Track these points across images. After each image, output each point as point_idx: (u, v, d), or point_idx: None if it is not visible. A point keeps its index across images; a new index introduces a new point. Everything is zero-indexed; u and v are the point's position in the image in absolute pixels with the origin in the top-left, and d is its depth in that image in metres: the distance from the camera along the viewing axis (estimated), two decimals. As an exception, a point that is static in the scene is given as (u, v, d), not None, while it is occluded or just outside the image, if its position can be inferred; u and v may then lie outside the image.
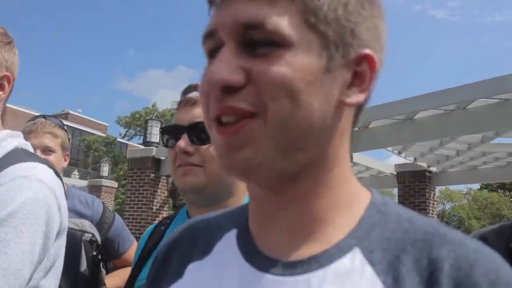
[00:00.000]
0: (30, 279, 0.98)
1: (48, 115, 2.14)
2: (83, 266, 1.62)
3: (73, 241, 1.39)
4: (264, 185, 0.56)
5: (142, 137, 32.20)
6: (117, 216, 2.25)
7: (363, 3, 0.54)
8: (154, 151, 10.32)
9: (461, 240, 0.52)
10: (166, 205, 10.85)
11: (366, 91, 0.56)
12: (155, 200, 10.23)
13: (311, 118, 0.51)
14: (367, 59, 0.54)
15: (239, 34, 0.52)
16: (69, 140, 2.14)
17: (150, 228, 1.33)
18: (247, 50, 0.52)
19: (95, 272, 1.65)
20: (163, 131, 1.18)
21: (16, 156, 1.10)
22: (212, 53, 0.55)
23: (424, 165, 9.82)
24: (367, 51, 0.54)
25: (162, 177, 10.51)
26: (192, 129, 1.12)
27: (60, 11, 71.63)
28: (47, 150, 1.98)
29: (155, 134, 11.08)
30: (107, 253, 2.19)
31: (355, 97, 0.55)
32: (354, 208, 0.57)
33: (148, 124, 11.44)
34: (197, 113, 1.12)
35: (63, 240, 1.13)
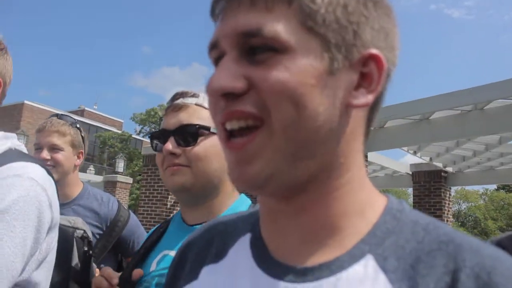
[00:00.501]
0: (22, 271, 1.04)
1: (62, 114, 2.17)
2: (75, 260, 1.67)
3: (65, 237, 1.46)
4: (275, 196, 0.56)
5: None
6: (132, 215, 2.27)
7: (366, 3, 0.54)
8: (169, 148, 10.36)
9: (477, 247, 0.51)
10: (180, 202, 10.90)
11: (374, 92, 0.54)
12: (169, 196, 10.29)
13: (317, 122, 0.51)
14: (374, 59, 0.54)
15: (239, 42, 0.52)
16: (83, 138, 2.15)
17: (152, 229, 1.38)
18: (247, 58, 0.52)
19: (86, 267, 1.70)
20: (152, 136, 1.23)
21: (9, 156, 1.16)
22: (217, 62, 0.56)
23: (440, 165, 9.75)
24: (373, 51, 0.53)
25: (177, 173, 10.56)
26: (178, 132, 1.17)
27: (76, 8, 72.34)
28: (54, 148, 2.01)
29: (170, 131, 11.15)
30: (121, 251, 2.23)
31: (363, 99, 0.54)
32: (368, 214, 0.56)
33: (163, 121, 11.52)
34: (183, 117, 1.18)
35: (54, 235, 1.18)
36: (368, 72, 0.54)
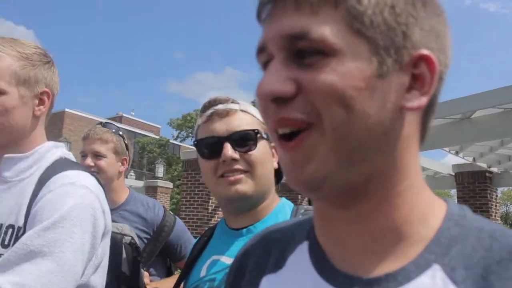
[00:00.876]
0: (82, 275, 1.10)
1: (106, 122, 2.24)
2: (124, 266, 1.71)
3: (114, 244, 1.50)
4: (332, 201, 0.55)
5: (194, 138, 32.69)
6: (178, 219, 2.30)
7: (415, 3, 0.52)
8: (223, 153, 10.40)
9: None
10: (221, 206, 10.94)
11: (428, 94, 0.53)
12: (210, 201, 10.32)
13: (368, 125, 0.50)
14: (425, 60, 0.52)
15: (286, 46, 0.52)
16: (126, 145, 2.20)
17: (197, 239, 1.39)
18: (295, 61, 0.52)
19: (135, 272, 1.74)
20: (199, 143, 1.21)
21: (61, 165, 1.23)
22: (266, 66, 0.56)
23: (484, 165, 9.47)
24: (424, 51, 0.52)
25: (217, 178, 10.61)
26: (233, 138, 1.17)
27: (111, 20, 74.12)
28: (97, 155, 2.07)
29: (208, 136, 11.25)
30: (169, 256, 2.27)
31: (417, 101, 0.52)
32: (430, 220, 0.55)
33: (201, 126, 11.62)
34: (234, 123, 1.19)
35: (107, 241, 1.24)
36: (420, 73, 0.52)
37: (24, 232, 1.08)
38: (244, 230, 1.17)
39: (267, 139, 1.23)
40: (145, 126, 41.10)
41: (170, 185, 17.53)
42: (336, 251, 0.58)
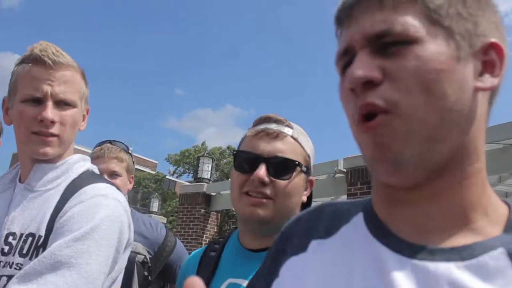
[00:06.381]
0: None
1: (113, 140, 2.23)
2: (135, 285, 1.69)
3: (128, 262, 1.48)
4: (407, 183, 0.57)
5: (190, 174, 32.67)
6: (179, 241, 2.28)
7: (480, 0, 0.59)
8: (205, 187, 10.44)
9: None
10: (216, 241, 10.84)
11: (499, 76, 0.58)
12: (204, 235, 10.26)
13: (448, 104, 0.54)
14: (494, 48, 0.58)
15: (371, 42, 0.57)
16: (133, 163, 2.22)
17: (195, 254, 1.32)
18: (380, 52, 0.56)
19: None
20: (239, 154, 1.20)
21: (89, 177, 1.23)
22: (344, 71, 0.60)
23: None
24: (493, 39, 0.58)
25: (212, 212, 10.57)
26: (272, 161, 1.14)
27: (108, 54, 75.31)
28: (114, 175, 2.07)
29: (206, 170, 11.30)
30: (167, 277, 2.23)
31: (489, 82, 0.57)
32: (498, 207, 0.58)
33: (200, 161, 11.67)
34: (279, 147, 1.16)
35: (127, 256, 1.23)
36: (490, 60, 0.58)
37: (44, 241, 1.07)
38: (264, 253, 1.13)
39: (306, 172, 1.21)
40: (142, 161, 41.08)
41: (164, 219, 17.40)
42: (398, 224, 0.59)
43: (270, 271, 0.71)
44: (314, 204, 0.77)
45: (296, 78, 72.29)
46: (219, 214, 10.81)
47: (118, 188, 1.96)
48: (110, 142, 2.20)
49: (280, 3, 75.50)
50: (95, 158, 2.09)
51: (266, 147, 1.16)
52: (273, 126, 1.19)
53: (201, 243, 10.10)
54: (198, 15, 73.52)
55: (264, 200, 1.13)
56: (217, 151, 30.39)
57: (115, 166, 2.08)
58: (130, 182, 2.21)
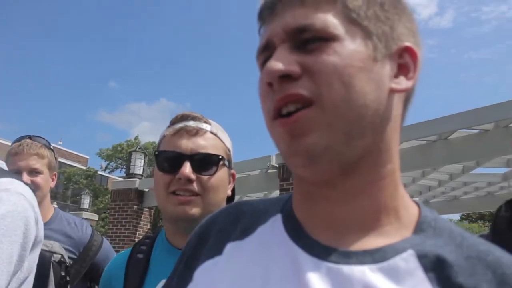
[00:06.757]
0: None
1: (34, 135, 2.11)
2: (51, 286, 1.62)
3: (42, 262, 1.41)
4: (324, 177, 0.57)
5: (123, 169, 31.94)
6: (105, 240, 2.22)
7: (396, 5, 0.61)
8: (137, 183, 10.24)
9: None
10: (149, 238, 10.67)
11: (413, 79, 0.60)
12: (137, 232, 10.07)
13: (366, 101, 0.55)
14: (409, 51, 0.60)
15: (290, 37, 0.57)
16: (56, 159, 2.12)
17: (120, 258, 1.29)
18: (299, 49, 0.57)
19: None
20: (161, 155, 1.19)
21: None
22: (265, 65, 0.59)
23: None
24: (408, 44, 0.60)
25: (145, 209, 10.39)
26: (195, 158, 1.15)
27: (40, 41, 71.64)
28: (34, 172, 1.96)
29: (138, 166, 11.05)
30: (94, 277, 2.15)
31: (404, 83, 0.59)
32: (410, 208, 0.60)
33: (132, 156, 11.39)
34: (200, 143, 1.17)
35: (36, 254, 1.16)
36: (404, 63, 0.60)
37: None
38: None
39: (228, 167, 1.21)
40: (72, 156, 39.66)
41: (96, 217, 16.94)
42: (315, 225, 0.60)
43: (183, 275, 0.70)
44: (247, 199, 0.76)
45: (230, 71, 72.43)
46: (152, 211, 10.62)
47: (36, 188, 1.91)
48: (29, 137, 2.07)
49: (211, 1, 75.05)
50: (13, 155, 1.98)
51: (187, 144, 1.16)
52: (191, 123, 1.19)
53: (134, 240, 9.89)
54: (134, 7, 71.61)
55: (193, 198, 1.13)
56: (150, 145, 29.94)
57: (35, 163, 1.97)
58: (53, 180, 2.10)
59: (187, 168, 1.13)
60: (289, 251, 0.58)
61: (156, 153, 1.20)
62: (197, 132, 1.18)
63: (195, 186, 1.14)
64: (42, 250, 1.60)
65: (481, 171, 8.09)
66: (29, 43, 70.12)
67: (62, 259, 1.68)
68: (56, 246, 1.71)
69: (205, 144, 1.17)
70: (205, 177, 1.15)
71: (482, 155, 6.42)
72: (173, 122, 1.23)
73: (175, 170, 1.14)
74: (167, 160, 1.17)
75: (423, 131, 6.17)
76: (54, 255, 1.68)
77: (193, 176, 1.13)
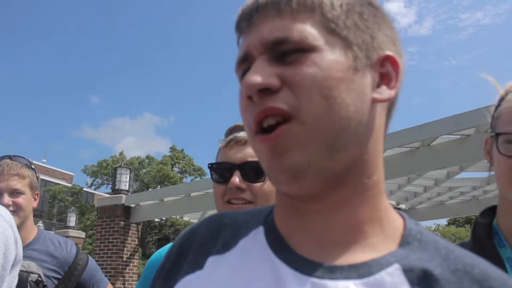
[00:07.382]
0: None
1: (14, 155, 2.09)
2: None
3: (20, 282, 1.39)
4: (309, 192, 0.56)
5: (109, 185, 31.64)
6: (91, 258, 2.20)
7: (375, 13, 0.60)
8: (123, 199, 10.13)
9: (501, 277, 0.53)
10: (137, 254, 10.57)
11: (395, 88, 0.59)
12: (125, 249, 9.95)
13: (348, 113, 0.54)
14: (390, 60, 0.59)
15: (268, 49, 0.56)
16: (37, 178, 2.11)
17: (157, 256, 1.36)
18: (277, 61, 0.55)
19: None
20: (214, 166, 1.24)
21: None
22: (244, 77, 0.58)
23: (394, 202, 9.95)
24: (389, 52, 0.59)
25: (132, 224, 10.29)
26: (244, 167, 1.20)
27: (21, 59, 70.97)
28: (16, 193, 1.95)
29: (124, 181, 10.94)
30: None
31: (387, 93, 0.58)
32: (395, 221, 0.59)
33: (117, 172, 11.27)
34: (249, 152, 1.21)
35: (16, 274, 1.16)
36: (386, 72, 0.59)
37: None
38: None
39: None
40: (57, 173, 39.19)
41: (83, 234, 16.74)
42: (298, 238, 0.58)
43: None
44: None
45: (213, 80, 72.43)
46: (139, 226, 10.52)
47: (17, 209, 1.90)
48: (9, 157, 2.06)
49: (188, 8, 75.29)
50: None
51: (236, 154, 1.22)
52: (241, 134, 1.24)
53: (122, 257, 9.78)
54: (112, 20, 71.45)
55: (246, 206, 1.17)
56: (135, 160, 29.74)
57: (17, 183, 1.96)
58: (35, 199, 2.08)
59: (236, 178, 1.17)
60: (271, 265, 0.57)
61: (210, 166, 1.25)
62: (246, 142, 1.22)
63: (247, 194, 1.18)
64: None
65: (465, 175, 8.17)
66: (9, 59, 69.44)
67: (39, 278, 1.67)
68: (33, 266, 1.70)
69: (253, 152, 1.18)
70: (255, 185, 1.18)
71: (465, 160, 6.49)
72: (225, 135, 1.28)
73: (227, 180, 1.19)
74: (219, 171, 1.23)
75: (406, 138, 6.22)
76: (31, 275, 1.66)
77: (243, 185, 1.17)
